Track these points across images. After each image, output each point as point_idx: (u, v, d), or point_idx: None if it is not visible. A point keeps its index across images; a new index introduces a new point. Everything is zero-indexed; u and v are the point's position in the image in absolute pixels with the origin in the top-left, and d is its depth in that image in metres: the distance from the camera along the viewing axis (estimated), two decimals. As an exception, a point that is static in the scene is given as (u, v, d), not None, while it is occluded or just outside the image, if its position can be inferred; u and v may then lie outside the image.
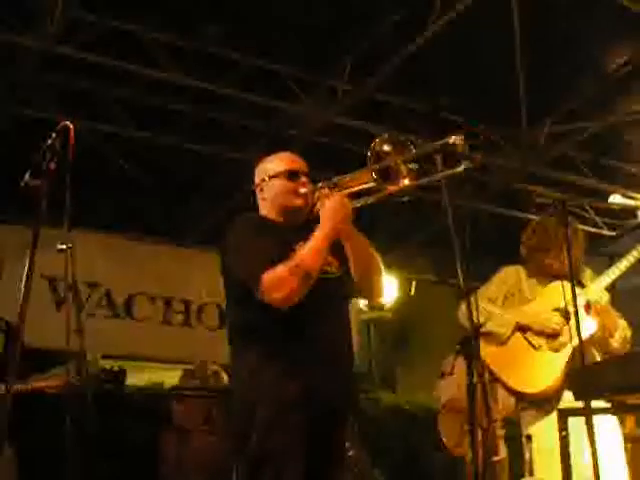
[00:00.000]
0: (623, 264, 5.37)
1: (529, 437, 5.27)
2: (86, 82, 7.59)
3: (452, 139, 3.51)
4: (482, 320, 5.25)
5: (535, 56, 7.48)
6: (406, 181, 3.74)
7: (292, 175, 3.96)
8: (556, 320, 5.26)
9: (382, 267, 4.07)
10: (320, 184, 3.94)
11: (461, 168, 3.51)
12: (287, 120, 8.30)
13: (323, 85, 8.03)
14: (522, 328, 5.32)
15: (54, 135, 3.41)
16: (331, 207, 3.76)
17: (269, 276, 3.53)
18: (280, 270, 3.54)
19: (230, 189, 8.85)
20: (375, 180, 3.78)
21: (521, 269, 5.59)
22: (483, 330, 5.25)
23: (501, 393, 5.69)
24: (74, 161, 3.46)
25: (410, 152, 3.73)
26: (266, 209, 4.00)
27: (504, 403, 6.46)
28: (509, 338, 5.31)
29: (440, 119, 8.43)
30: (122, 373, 7.94)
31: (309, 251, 3.63)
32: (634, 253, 5.39)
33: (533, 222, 5.77)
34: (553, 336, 5.24)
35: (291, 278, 3.53)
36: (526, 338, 5.31)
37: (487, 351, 5.31)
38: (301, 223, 3.94)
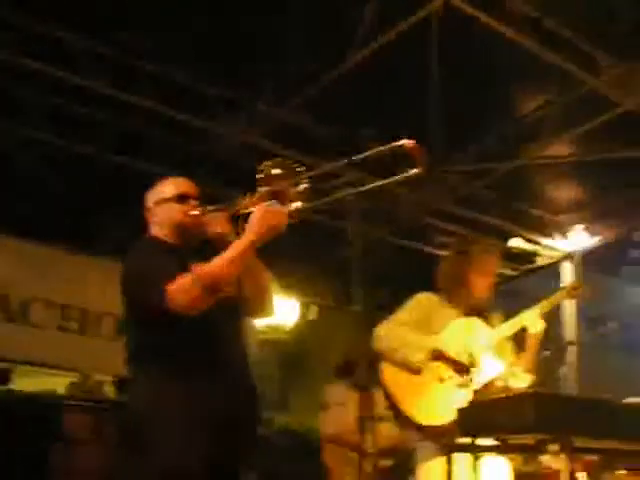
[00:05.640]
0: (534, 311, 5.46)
1: (414, 470, 5.28)
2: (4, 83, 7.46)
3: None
4: (395, 346, 5.24)
5: (452, 94, 7.59)
6: (296, 204, 3.76)
7: (182, 198, 4.00)
8: (465, 357, 5.26)
9: (272, 286, 4.12)
10: (211, 207, 3.97)
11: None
12: (205, 138, 8.28)
13: (243, 106, 8.05)
14: (437, 357, 5.28)
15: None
16: (262, 215, 3.66)
17: (174, 284, 3.53)
18: (185, 278, 3.54)
19: (140, 202, 8.77)
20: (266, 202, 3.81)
21: (434, 298, 5.54)
22: (396, 356, 5.22)
23: (391, 423, 5.70)
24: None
25: (298, 175, 3.76)
26: (158, 231, 4.04)
27: (390, 433, 6.49)
28: (422, 365, 5.24)
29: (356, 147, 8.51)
30: (6, 373, 7.82)
31: (222, 260, 3.63)
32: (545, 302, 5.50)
33: (452, 252, 5.78)
34: (460, 372, 5.24)
35: (196, 285, 3.52)
36: (434, 369, 5.26)
37: (391, 377, 5.31)
38: (196, 245, 3.97)
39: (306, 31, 7.13)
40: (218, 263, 3.63)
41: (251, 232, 3.65)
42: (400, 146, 3.50)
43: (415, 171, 3.52)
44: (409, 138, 3.42)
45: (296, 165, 3.79)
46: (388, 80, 7.60)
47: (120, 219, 9.45)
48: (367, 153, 3.70)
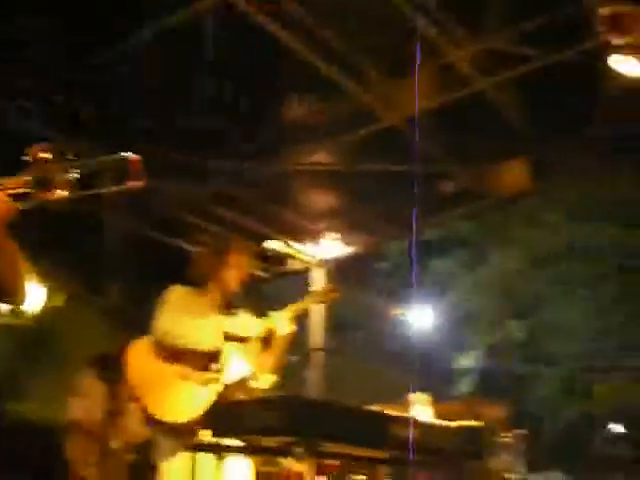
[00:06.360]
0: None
1: (155, 467, 5.24)
2: None
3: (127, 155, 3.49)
4: (181, 333, 5.20)
5: (224, 92, 7.59)
6: (61, 192, 3.66)
7: None
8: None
9: (25, 273, 4.00)
10: None
11: (126, 186, 3.48)
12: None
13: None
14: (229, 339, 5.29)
15: None
16: None
17: None
18: None
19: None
20: (30, 186, 3.69)
21: (188, 292, 5.55)
22: (188, 345, 5.18)
23: (135, 417, 5.64)
24: None
25: (69, 162, 3.66)
26: None
27: (137, 428, 6.41)
28: (219, 350, 5.23)
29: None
30: None
31: None
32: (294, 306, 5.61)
33: (207, 249, 5.80)
34: (204, 368, 5.23)
35: None
36: (175, 364, 5.24)
37: (136, 371, 5.25)
38: None
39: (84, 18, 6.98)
40: None
41: None
42: (122, 159, 3.48)
43: (134, 184, 3.50)
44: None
45: (66, 152, 3.69)
46: (164, 71, 7.52)
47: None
48: (91, 163, 3.64)
